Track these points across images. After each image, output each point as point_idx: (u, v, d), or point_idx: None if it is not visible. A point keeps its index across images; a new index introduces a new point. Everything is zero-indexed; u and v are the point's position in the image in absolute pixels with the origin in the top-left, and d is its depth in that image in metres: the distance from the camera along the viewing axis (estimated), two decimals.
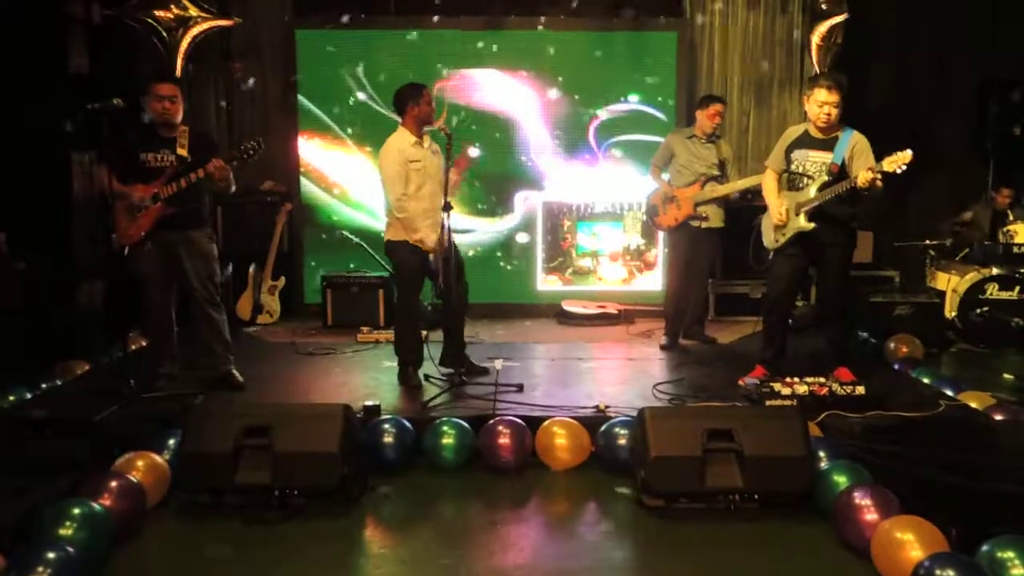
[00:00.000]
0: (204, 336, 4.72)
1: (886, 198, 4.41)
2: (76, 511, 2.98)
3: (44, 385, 4.72)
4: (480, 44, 7.00)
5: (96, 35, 6.25)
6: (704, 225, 5.76)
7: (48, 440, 3.90)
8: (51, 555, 2.71)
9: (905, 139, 4.20)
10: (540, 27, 7.03)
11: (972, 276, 6.16)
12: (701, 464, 3.41)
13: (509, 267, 7.20)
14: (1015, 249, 6.34)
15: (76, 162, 6.05)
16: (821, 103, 4.47)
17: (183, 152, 4.51)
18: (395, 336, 5.04)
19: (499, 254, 7.18)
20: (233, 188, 4.68)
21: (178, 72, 6.28)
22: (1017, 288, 6.07)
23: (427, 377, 4.92)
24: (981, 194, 7.00)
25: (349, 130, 7.08)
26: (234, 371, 4.76)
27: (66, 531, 2.91)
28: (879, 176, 4.21)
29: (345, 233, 7.02)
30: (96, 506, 3.06)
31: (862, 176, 4.23)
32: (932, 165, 4.24)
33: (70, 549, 2.78)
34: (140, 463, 3.48)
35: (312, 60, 7.00)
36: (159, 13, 6.27)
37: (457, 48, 7.00)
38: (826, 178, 4.47)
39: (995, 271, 6.15)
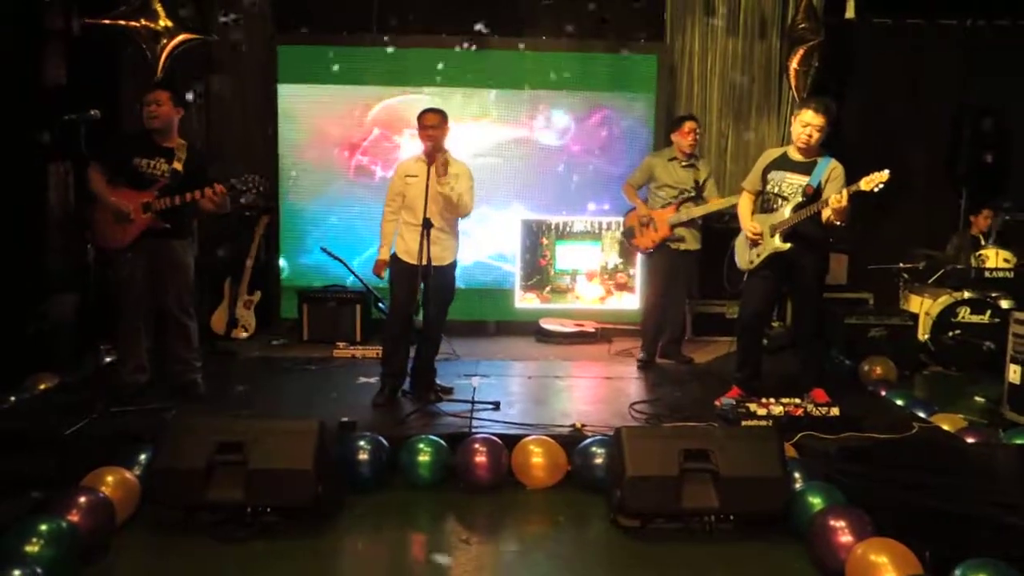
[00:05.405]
0: (174, 344, 4.67)
1: (860, 221, 4.46)
2: (43, 528, 2.91)
3: (13, 398, 4.63)
4: (461, 63, 7.03)
5: (75, 46, 6.19)
6: (682, 247, 5.81)
7: (16, 454, 3.83)
8: (17, 573, 2.64)
9: (880, 164, 4.25)
10: (521, 47, 7.08)
11: (944, 299, 6.24)
12: (677, 484, 3.41)
13: (487, 285, 7.19)
14: (987, 273, 6.43)
15: (52, 173, 5.97)
16: (805, 124, 4.51)
17: (178, 166, 4.48)
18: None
19: (477, 271, 7.18)
20: (228, 210, 4.68)
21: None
22: (988, 312, 6.15)
23: (403, 393, 4.90)
24: (958, 224, 7.07)
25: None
26: (199, 379, 4.72)
27: (33, 548, 2.84)
28: (846, 199, 4.25)
29: (324, 248, 6.98)
30: (64, 523, 2.99)
31: (834, 198, 4.28)
32: (906, 190, 4.29)
33: (37, 568, 2.72)
34: (110, 478, 3.42)
35: (294, 75, 6.98)
36: (132, 23, 6.23)
37: (438, 66, 7.02)
38: (801, 199, 4.52)
39: (967, 295, 6.23)
